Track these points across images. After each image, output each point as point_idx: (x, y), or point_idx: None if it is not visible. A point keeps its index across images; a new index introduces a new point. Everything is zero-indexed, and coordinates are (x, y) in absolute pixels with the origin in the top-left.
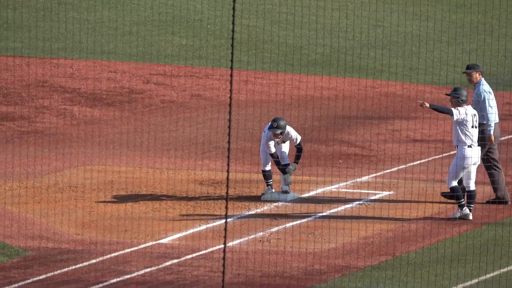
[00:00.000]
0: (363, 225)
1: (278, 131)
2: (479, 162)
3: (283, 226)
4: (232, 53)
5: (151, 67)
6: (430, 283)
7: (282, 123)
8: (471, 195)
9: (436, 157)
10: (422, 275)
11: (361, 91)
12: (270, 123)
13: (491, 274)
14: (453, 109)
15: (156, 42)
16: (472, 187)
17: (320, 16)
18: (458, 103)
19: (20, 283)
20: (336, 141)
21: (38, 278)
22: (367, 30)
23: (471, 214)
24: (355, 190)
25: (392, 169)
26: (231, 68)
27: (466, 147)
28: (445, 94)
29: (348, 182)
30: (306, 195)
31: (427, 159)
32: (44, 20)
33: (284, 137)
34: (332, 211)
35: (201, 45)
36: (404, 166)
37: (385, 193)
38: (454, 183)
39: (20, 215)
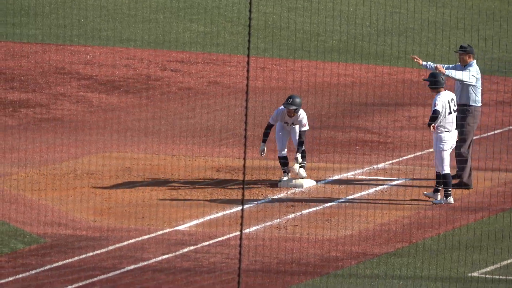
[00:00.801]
0: (379, 212)
1: (293, 107)
2: (454, 144)
3: (300, 213)
4: (249, 40)
5: (168, 54)
6: (447, 269)
7: (297, 100)
8: (439, 176)
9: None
10: (439, 261)
11: (378, 78)
12: (286, 99)
13: (508, 261)
14: (434, 108)
15: (173, 29)
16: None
17: (337, 3)
18: (435, 88)
19: (38, 270)
20: (353, 127)
21: (55, 265)
22: (383, 17)
23: (439, 194)
24: (371, 177)
25: (409, 156)
26: (248, 55)
27: (442, 133)
28: (423, 80)
29: (364, 169)
30: (322, 181)
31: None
32: (62, 7)
33: (296, 119)
34: (348, 197)
35: (218, 32)
36: (420, 152)
37: (402, 179)
38: (447, 170)
39: (38, 202)
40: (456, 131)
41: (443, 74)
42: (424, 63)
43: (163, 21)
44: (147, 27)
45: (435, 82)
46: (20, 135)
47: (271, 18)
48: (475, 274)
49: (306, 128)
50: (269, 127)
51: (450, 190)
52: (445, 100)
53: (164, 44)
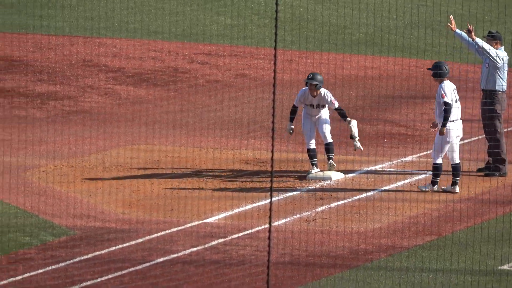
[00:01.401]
0: (408, 205)
1: (314, 82)
2: (461, 135)
3: (328, 205)
4: (275, 33)
5: (195, 47)
6: (476, 262)
7: (319, 76)
8: (456, 167)
9: (480, 136)
10: (468, 254)
11: (405, 71)
12: (307, 76)
13: None
14: (443, 100)
15: (200, 22)
16: (457, 160)
17: None
18: (440, 78)
19: (67, 262)
20: (381, 120)
21: (85, 257)
22: (410, 10)
23: (457, 187)
24: (400, 170)
25: None
26: (275, 47)
27: (449, 122)
28: (427, 69)
29: (393, 162)
30: (351, 174)
31: (470, 139)
32: None
33: (320, 99)
34: (377, 190)
35: (245, 25)
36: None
37: (430, 172)
38: (439, 160)
39: (67, 194)
40: (461, 120)
41: (473, 40)
42: (458, 31)
43: (190, 13)
44: (174, 19)
45: (439, 74)
46: (48, 127)
47: (298, 10)
48: (505, 267)
49: (336, 104)
50: (294, 109)
51: (438, 180)
52: (451, 89)
53: (191, 37)
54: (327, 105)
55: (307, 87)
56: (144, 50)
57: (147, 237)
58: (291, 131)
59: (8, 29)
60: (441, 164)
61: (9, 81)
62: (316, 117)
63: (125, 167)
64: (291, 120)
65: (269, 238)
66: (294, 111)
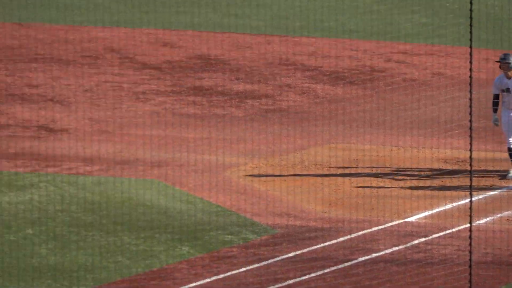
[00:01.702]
0: None
1: (507, 61)
2: None
3: None
4: (470, 32)
5: (391, 46)
6: None
7: (511, 57)
8: None
9: None
10: None
11: None
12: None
13: None
14: None
15: (396, 21)
16: None
17: None
18: None
19: (270, 261)
20: None
21: (287, 255)
22: None
23: None
24: None
25: None
26: (470, 46)
27: None
28: None
29: None
30: None
31: None
32: None
33: None
34: None
35: (441, 24)
36: None
37: None
38: None
39: (266, 193)
40: None
41: None
42: None
43: (385, 12)
44: (369, 18)
45: None
46: (246, 125)
47: (492, 10)
48: None
49: None
50: (495, 99)
51: None
52: None
53: (386, 35)
54: None
55: (502, 74)
56: (340, 49)
57: (348, 236)
58: (496, 122)
59: (204, 28)
60: None
61: (207, 80)
62: None
63: (324, 165)
64: (494, 111)
65: (470, 237)
66: (495, 101)
